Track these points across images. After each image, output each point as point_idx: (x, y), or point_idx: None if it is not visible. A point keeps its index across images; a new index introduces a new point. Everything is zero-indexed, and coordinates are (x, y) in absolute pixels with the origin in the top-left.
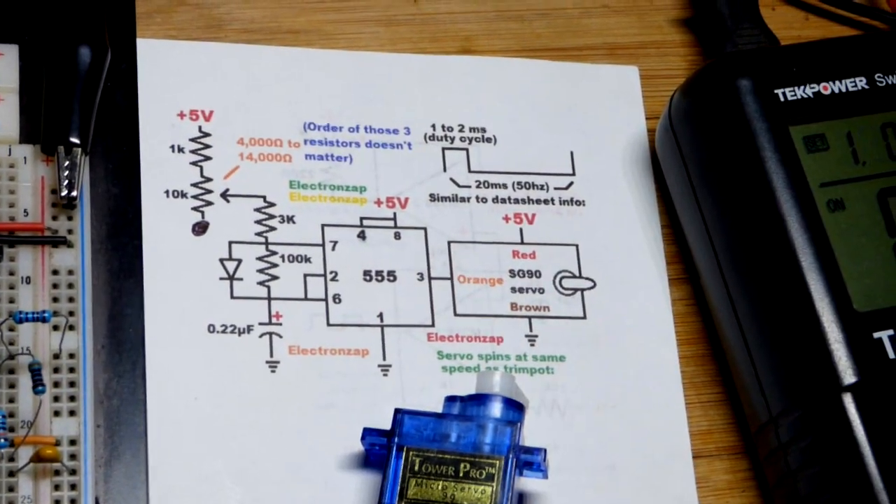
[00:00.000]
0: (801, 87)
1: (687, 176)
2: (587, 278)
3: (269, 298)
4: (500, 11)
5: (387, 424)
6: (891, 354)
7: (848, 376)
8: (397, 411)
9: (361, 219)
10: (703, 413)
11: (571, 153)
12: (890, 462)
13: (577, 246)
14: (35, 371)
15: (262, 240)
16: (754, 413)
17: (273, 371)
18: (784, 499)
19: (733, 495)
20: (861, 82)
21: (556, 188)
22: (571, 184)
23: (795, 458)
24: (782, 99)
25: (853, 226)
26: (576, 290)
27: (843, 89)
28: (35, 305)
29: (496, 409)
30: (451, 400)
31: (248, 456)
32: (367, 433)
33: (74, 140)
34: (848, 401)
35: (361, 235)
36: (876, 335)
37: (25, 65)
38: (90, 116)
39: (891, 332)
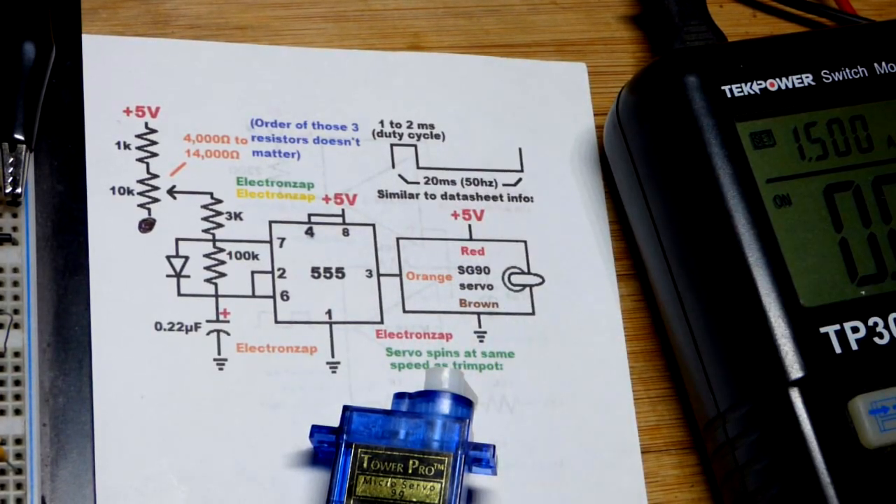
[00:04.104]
0: (748, 84)
1: (634, 172)
2: (536, 274)
3: (217, 296)
4: (448, 7)
5: (335, 422)
6: (837, 349)
7: (794, 371)
8: (346, 408)
9: (309, 215)
10: (652, 408)
11: (520, 150)
12: (836, 456)
13: (525, 242)
14: None
15: (210, 237)
16: (702, 408)
17: (221, 369)
18: (732, 493)
19: (682, 490)
20: (807, 79)
21: (504, 185)
22: (520, 180)
23: (743, 452)
24: (729, 95)
25: (799, 221)
26: (524, 286)
27: (790, 86)
28: None
29: (445, 405)
30: (399, 397)
31: (195, 455)
32: (316, 430)
33: (19, 136)
34: (795, 395)
35: (309, 232)
36: (822, 330)
37: None
38: (35, 113)
39: (836, 327)
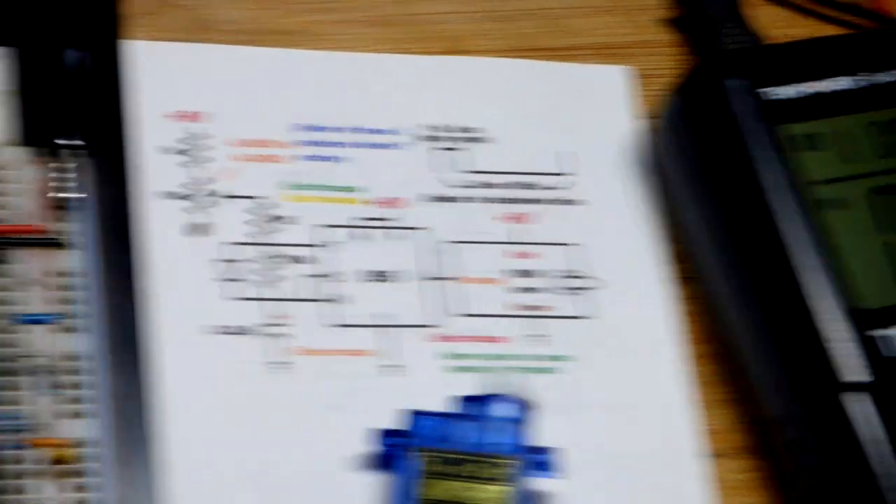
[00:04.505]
0: (787, 87)
1: (685, 174)
2: (591, 278)
3: (267, 300)
4: (487, 12)
5: (393, 425)
6: (884, 352)
7: (851, 374)
8: (408, 412)
9: (355, 219)
10: (712, 412)
11: (564, 152)
12: (894, 459)
13: (579, 246)
14: (42, 374)
15: (257, 241)
16: (763, 412)
17: (279, 373)
18: (796, 497)
19: (745, 494)
20: (848, 81)
21: (552, 188)
22: (569, 183)
23: (803, 456)
24: (769, 98)
25: (842, 224)
26: (580, 289)
27: (829, 88)
28: (38, 308)
29: (505, 409)
30: (460, 400)
31: (257, 458)
32: (378, 434)
33: (72, 142)
34: (851, 399)
35: (358, 236)
36: (872, 333)
37: (19, 68)
38: (83, 118)
39: (885, 329)
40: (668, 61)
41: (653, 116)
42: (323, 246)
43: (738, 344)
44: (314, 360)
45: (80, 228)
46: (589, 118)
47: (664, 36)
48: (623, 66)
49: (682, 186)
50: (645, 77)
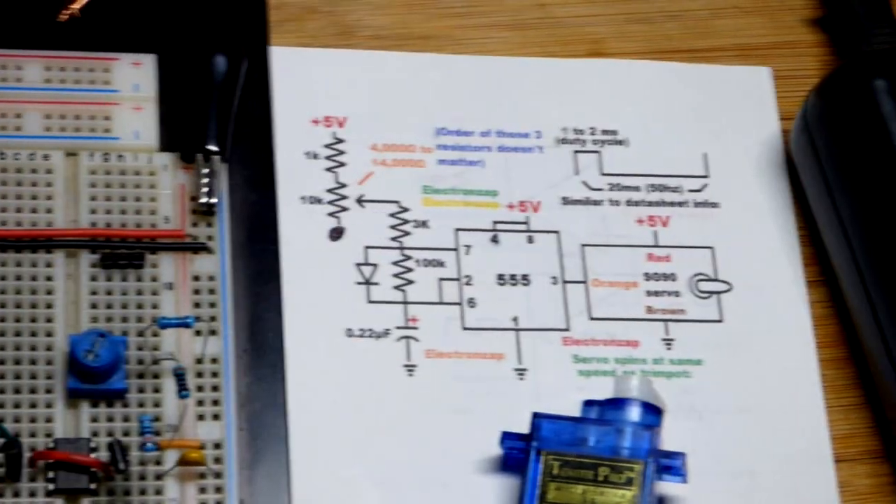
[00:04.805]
0: None
1: (823, 177)
2: (723, 281)
3: (405, 303)
4: (629, 14)
5: (523, 428)
6: None
7: None
8: (535, 415)
9: (494, 223)
10: (844, 417)
11: (705, 155)
12: None
13: (712, 248)
14: (179, 376)
15: (397, 244)
16: (893, 416)
17: (410, 375)
18: None
19: (876, 500)
20: None
21: (690, 190)
22: (705, 186)
23: None
24: None
25: None
26: (712, 292)
27: None
28: (178, 311)
29: (634, 413)
30: (588, 404)
31: (386, 460)
32: (506, 437)
33: (213, 148)
34: None
35: (495, 239)
36: None
37: (163, 74)
38: (228, 124)
39: None
40: (808, 62)
41: (789, 117)
42: (461, 249)
43: (872, 348)
44: (444, 362)
45: (221, 233)
46: (728, 120)
47: (806, 36)
48: (765, 68)
49: (817, 188)
50: (783, 78)
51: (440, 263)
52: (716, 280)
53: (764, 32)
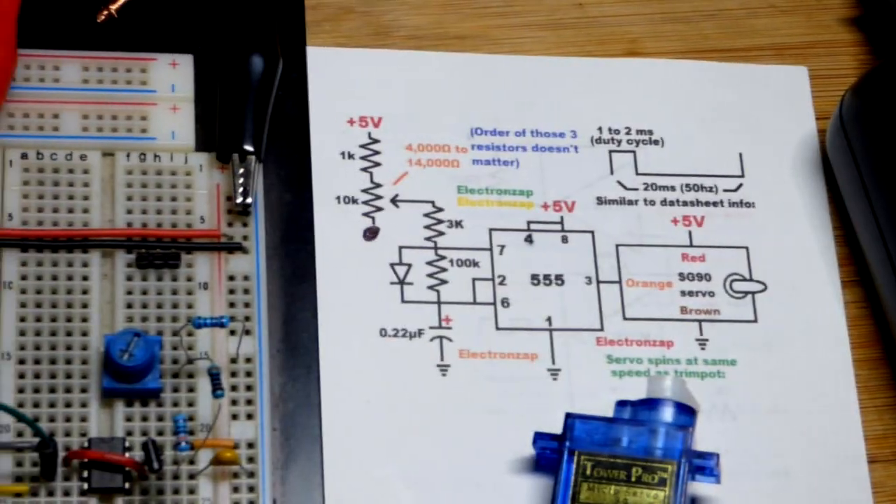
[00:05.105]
0: None
1: (859, 177)
2: (758, 281)
3: (439, 302)
4: (665, 13)
5: (556, 429)
6: None
7: None
8: (568, 416)
9: (529, 223)
10: (878, 417)
11: (740, 155)
12: None
13: (747, 248)
14: (214, 375)
15: (432, 244)
16: None
17: (444, 375)
18: None
19: None
20: None
21: (725, 190)
22: (741, 185)
23: None
24: None
25: None
26: (746, 293)
27: None
28: (212, 311)
29: (668, 413)
30: (621, 404)
31: (419, 460)
32: (539, 437)
33: (248, 148)
34: None
35: (529, 239)
36: None
37: (200, 74)
38: (263, 124)
39: None
40: (845, 61)
41: (825, 117)
42: (495, 249)
43: None
44: (478, 362)
45: (256, 233)
46: (764, 119)
47: (843, 36)
48: (802, 67)
49: (853, 188)
50: (819, 77)
51: (474, 263)
52: (750, 280)
53: (800, 32)
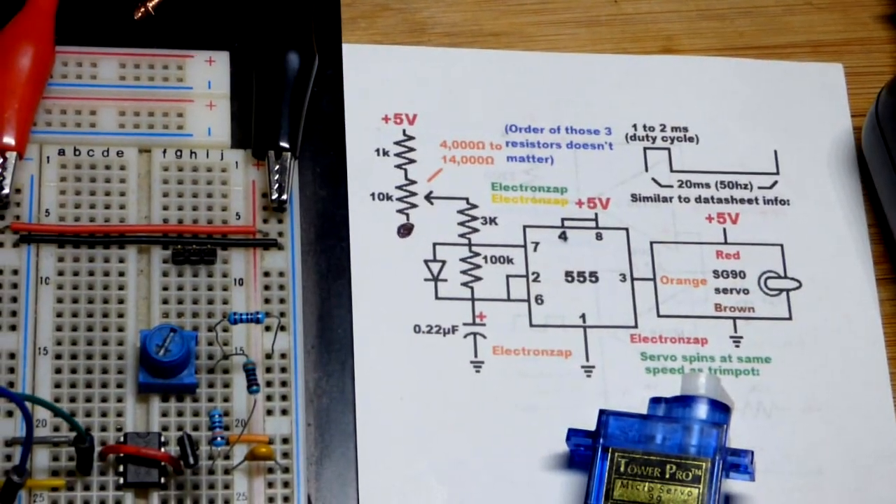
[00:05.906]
0: None
1: (894, 174)
2: (792, 279)
3: (473, 299)
4: (701, 10)
5: (590, 425)
6: None
7: None
8: (602, 412)
9: (563, 219)
10: None
11: (775, 152)
12: None
13: (781, 246)
14: (249, 371)
15: (466, 241)
16: None
17: (477, 371)
18: None
19: None
20: None
21: (759, 187)
22: (775, 183)
23: None
24: None
25: None
26: (781, 290)
27: None
28: (248, 307)
29: (702, 410)
30: (655, 401)
31: (453, 456)
32: (572, 434)
33: (284, 144)
34: None
35: (563, 236)
36: None
37: (236, 71)
38: (299, 121)
39: None
40: (881, 59)
41: (860, 114)
42: (529, 246)
43: None
44: (512, 359)
45: (292, 229)
46: (799, 117)
47: (879, 33)
48: (838, 64)
49: (889, 185)
50: (855, 74)
51: (508, 260)
52: (785, 277)
53: (836, 29)
